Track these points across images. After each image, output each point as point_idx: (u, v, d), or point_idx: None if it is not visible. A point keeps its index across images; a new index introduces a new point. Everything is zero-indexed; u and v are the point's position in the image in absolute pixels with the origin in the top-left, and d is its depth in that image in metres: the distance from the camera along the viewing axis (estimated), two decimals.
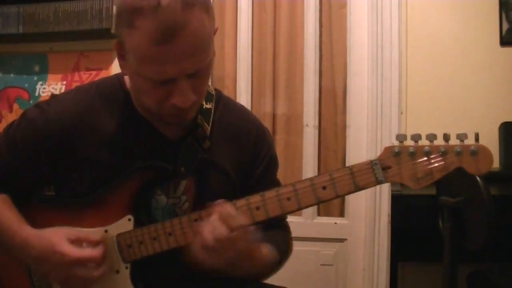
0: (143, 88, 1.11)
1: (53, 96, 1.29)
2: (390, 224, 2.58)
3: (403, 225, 2.33)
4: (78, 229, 1.18)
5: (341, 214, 2.82)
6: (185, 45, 1.03)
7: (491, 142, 2.45)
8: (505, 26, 2.56)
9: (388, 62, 2.64)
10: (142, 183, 1.18)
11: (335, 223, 2.79)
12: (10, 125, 1.26)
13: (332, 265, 2.77)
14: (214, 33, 1.13)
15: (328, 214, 2.83)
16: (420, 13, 2.64)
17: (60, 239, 1.13)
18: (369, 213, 2.69)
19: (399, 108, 2.62)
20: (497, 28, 2.57)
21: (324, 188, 1.07)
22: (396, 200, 2.33)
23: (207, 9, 1.07)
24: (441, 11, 2.63)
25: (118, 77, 1.27)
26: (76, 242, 1.14)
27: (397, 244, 2.46)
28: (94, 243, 1.15)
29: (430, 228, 2.07)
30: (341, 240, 2.78)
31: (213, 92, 1.31)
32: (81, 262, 1.12)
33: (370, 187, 1.07)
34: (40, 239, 1.15)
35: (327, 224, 2.78)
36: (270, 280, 1.36)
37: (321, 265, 2.76)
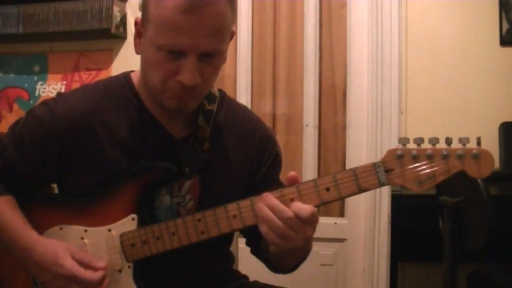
0: (154, 60, 1.12)
1: (60, 94, 1.28)
2: (390, 224, 2.58)
3: (403, 225, 2.33)
4: (85, 253, 1.17)
5: (341, 214, 2.82)
6: (206, 21, 1.07)
7: (491, 142, 2.45)
8: (505, 26, 2.56)
9: (388, 62, 2.64)
10: (147, 183, 1.18)
11: (335, 223, 2.79)
12: (16, 122, 1.25)
13: (332, 265, 2.77)
14: (231, 38, 1.17)
15: (328, 214, 2.83)
16: (420, 13, 2.64)
17: (65, 252, 1.13)
18: (369, 213, 2.69)
19: (399, 108, 2.62)
20: (497, 28, 2.57)
21: (327, 189, 1.08)
22: (396, 200, 2.33)
23: (232, 3, 1.12)
24: (441, 11, 2.63)
25: (126, 75, 1.27)
26: (78, 263, 1.13)
27: (397, 244, 2.47)
28: (95, 269, 1.13)
29: (430, 228, 2.08)
30: (341, 240, 2.78)
31: (217, 93, 1.31)
32: (76, 280, 1.11)
33: (373, 189, 1.07)
34: (46, 247, 1.15)
35: (327, 224, 2.77)
36: (270, 280, 1.36)
37: (321, 265, 2.76)
